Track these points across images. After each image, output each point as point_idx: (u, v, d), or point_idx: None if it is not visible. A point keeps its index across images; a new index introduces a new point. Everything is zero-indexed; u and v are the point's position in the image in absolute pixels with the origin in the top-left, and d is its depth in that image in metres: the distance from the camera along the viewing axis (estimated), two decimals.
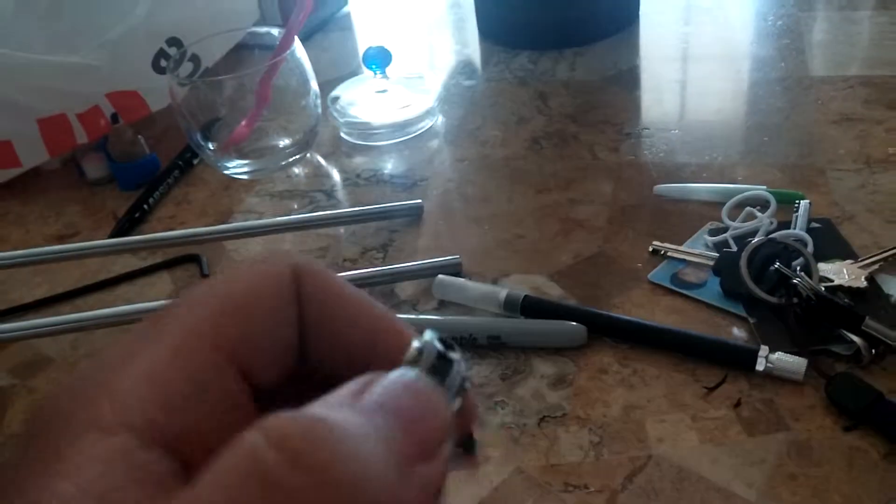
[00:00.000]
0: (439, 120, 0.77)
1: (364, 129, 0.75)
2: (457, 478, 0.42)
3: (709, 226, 0.58)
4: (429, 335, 0.18)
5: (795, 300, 0.47)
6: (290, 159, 0.72)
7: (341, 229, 0.64)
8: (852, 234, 0.54)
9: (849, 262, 0.51)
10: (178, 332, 0.17)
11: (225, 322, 0.17)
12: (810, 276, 0.48)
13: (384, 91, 0.77)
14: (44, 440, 0.15)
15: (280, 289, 0.18)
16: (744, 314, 0.49)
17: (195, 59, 0.72)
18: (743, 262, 0.50)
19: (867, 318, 0.44)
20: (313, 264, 0.19)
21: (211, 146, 0.69)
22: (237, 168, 0.71)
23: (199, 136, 0.69)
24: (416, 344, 0.18)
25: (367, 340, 0.20)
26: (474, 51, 0.91)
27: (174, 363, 0.17)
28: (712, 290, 0.52)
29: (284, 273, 0.19)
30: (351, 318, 0.20)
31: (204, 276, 0.60)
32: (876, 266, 0.50)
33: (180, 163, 0.74)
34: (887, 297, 0.48)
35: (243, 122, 0.69)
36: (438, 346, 0.18)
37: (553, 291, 0.55)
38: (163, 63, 0.73)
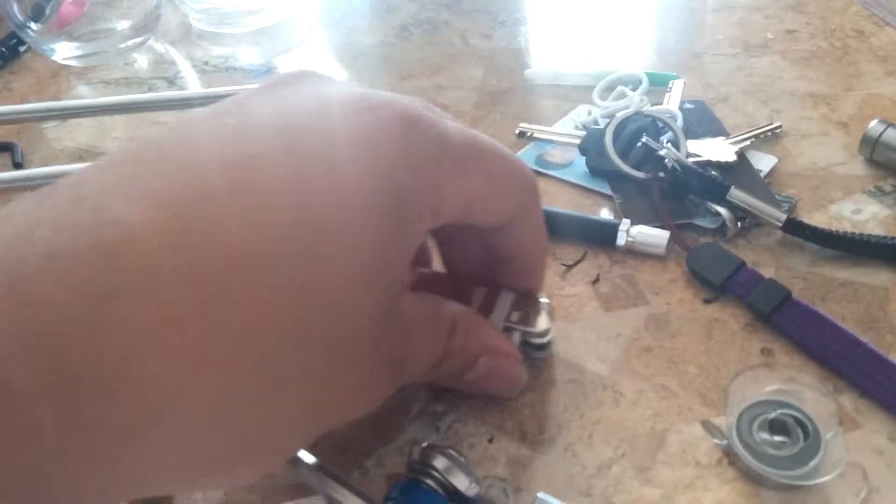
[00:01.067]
0: (301, 8, 0.70)
1: (216, 15, 0.67)
2: None
3: (579, 107, 0.54)
4: None
5: (661, 174, 0.44)
6: (129, 44, 0.64)
7: (184, 114, 0.57)
8: (726, 115, 0.51)
9: (720, 138, 0.48)
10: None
11: None
12: (678, 150, 0.45)
13: None
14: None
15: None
16: (609, 192, 0.46)
17: None
18: (608, 137, 0.46)
19: (732, 187, 0.41)
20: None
21: (34, 26, 0.61)
22: (67, 52, 0.63)
23: (17, 13, 0.60)
24: None
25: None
26: None
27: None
28: (578, 170, 0.48)
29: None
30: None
31: (16, 165, 0.53)
32: (747, 143, 0.47)
33: (3, 49, 0.65)
34: (756, 172, 0.46)
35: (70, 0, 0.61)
36: None
37: None
38: None
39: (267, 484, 0.32)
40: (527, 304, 0.34)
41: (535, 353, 0.35)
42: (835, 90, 0.53)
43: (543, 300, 0.34)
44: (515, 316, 0.33)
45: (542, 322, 0.33)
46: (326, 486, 0.28)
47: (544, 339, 0.34)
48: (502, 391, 0.33)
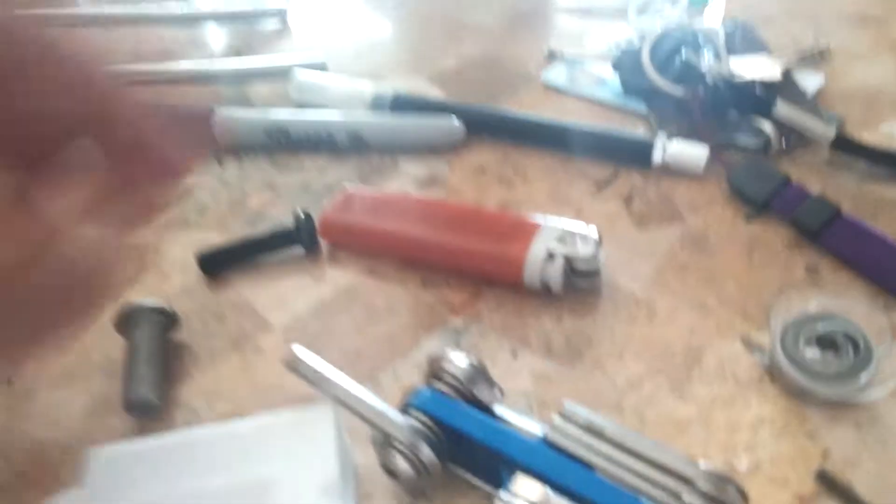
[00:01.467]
0: None
1: None
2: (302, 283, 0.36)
3: (612, 25, 0.51)
4: None
5: (701, 90, 0.41)
6: None
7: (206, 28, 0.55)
8: (769, 36, 0.48)
9: (763, 55, 0.45)
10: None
11: None
12: (720, 65, 0.42)
13: None
14: None
15: None
16: (643, 112, 0.43)
17: None
18: (646, 51, 0.43)
19: (779, 100, 0.38)
20: None
21: None
22: None
23: None
24: None
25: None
26: None
27: None
28: (611, 88, 0.45)
29: None
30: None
31: None
32: (793, 61, 0.44)
33: None
34: (802, 91, 0.43)
35: None
36: None
37: (433, 94, 0.47)
38: None
39: (274, 394, 0.30)
40: (572, 233, 0.32)
41: (581, 282, 0.33)
42: (885, 12, 0.50)
43: (591, 228, 0.32)
44: (559, 243, 0.32)
45: (588, 247, 0.32)
46: (336, 392, 0.26)
47: (590, 267, 0.32)
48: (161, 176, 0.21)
